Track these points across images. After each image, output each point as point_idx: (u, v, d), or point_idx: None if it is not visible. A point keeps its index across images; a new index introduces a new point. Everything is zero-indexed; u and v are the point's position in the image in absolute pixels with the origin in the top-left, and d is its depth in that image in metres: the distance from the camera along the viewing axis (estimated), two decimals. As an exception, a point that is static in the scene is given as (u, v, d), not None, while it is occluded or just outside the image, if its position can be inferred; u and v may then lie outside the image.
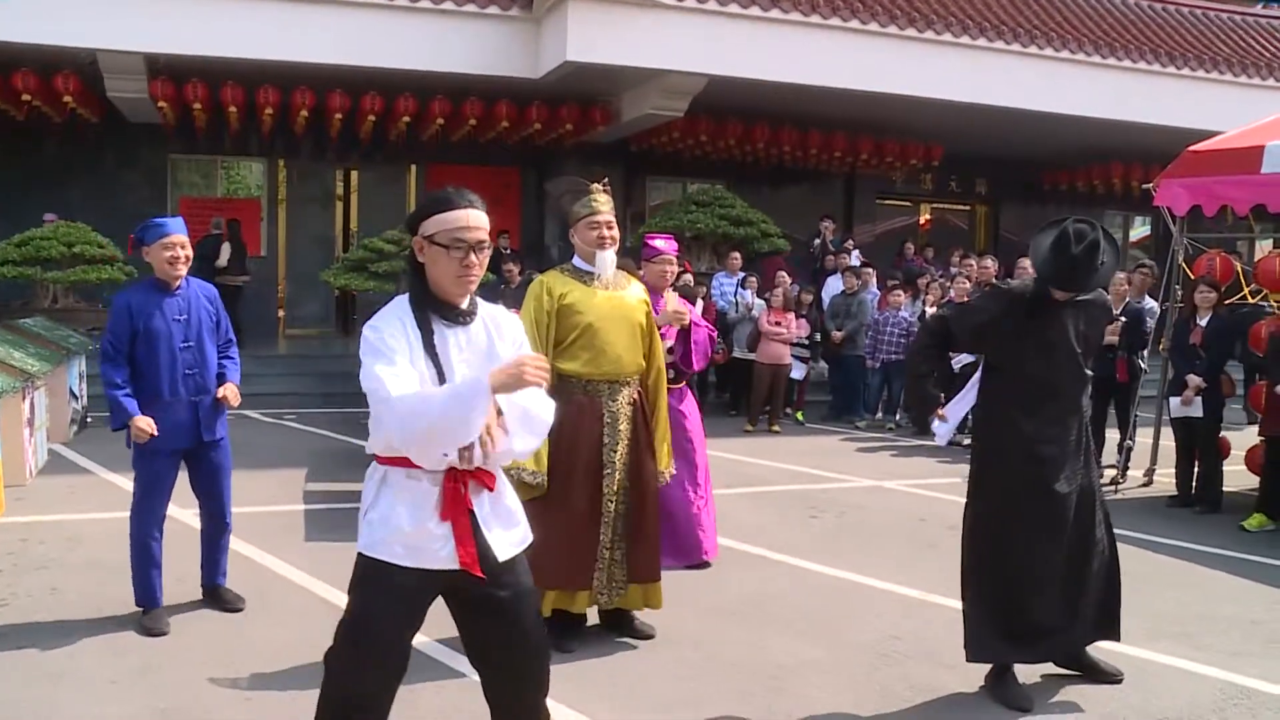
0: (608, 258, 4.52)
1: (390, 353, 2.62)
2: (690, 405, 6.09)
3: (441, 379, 2.66)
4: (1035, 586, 4.04)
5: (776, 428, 11.52)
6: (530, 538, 2.91)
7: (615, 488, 4.49)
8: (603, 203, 4.52)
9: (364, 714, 2.79)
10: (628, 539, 4.53)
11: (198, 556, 5.10)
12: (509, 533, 2.82)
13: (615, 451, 4.48)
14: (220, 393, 4.82)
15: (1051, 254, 3.97)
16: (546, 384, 2.61)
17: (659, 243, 5.57)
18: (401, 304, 2.75)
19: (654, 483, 4.65)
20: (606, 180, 4.69)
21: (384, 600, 2.72)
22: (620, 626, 4.73)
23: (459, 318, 2.75)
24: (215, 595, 5.03)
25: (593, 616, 4.75)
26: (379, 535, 2.72)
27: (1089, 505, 4.15)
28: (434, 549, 2.70)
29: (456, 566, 2.70)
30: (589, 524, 4.44)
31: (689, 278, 11.52)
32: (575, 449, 4.40)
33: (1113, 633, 4.29)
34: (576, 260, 4.60)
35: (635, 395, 4.58)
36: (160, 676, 4.16)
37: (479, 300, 2.84)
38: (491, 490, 2.77)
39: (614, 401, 4.48)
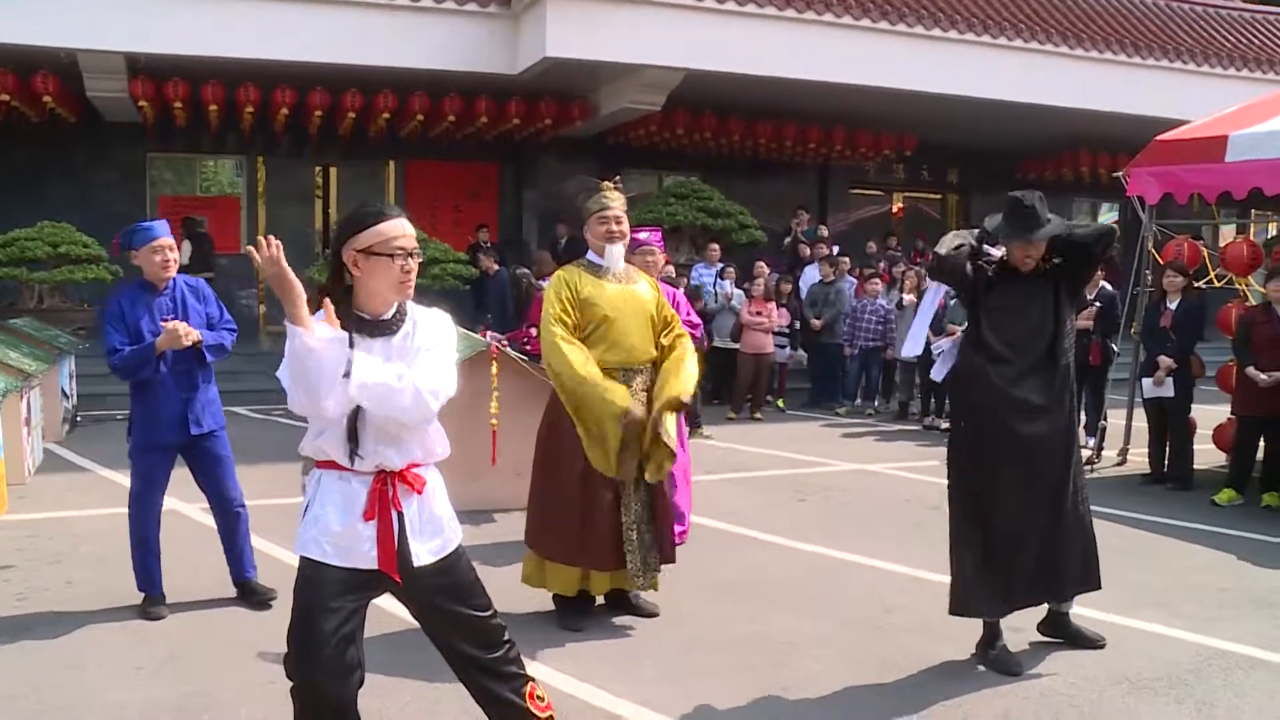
0: (616, 251, 4.73)
1: None
2: None
3: None
4: (1017, 535, 4.24)
5: (759, 415, 11.75)
6: (452, 546, 2.96)
7: (636, 470, 4.66)
8: (613, 198, 4.73)
9: (336, 716, 2.83)
10: (651, 522, 4.72)
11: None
12: (429, 542, 2.89)
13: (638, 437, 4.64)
14: (173, 324, 4.74)
15: (1002, 214, 4.30)
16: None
17: (643, 235, 5.68)
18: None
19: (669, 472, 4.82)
20: (619, 177, 4.92)
21: (320, 598, 2.78)
22: (622, 605, 4.91)
23: (380, 330, 2.80)
24: (247, 589, 5.09)
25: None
26: (310, 535, 2.83)
27: (1066, 452, 4.34)
28: (362, 549, 2.79)
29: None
30: (613, 505, 4.63)
31: (670, 269, 11.69)
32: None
33: (1094, 583, 4.46)
34: (590, 255, 4.80)
35: (648, 383, 4.76)
36: (182, 665, 4.29)
37: (411, 305, 2.89)
38: (420, 494, 2.87)
39: (629, 388, 4.66)
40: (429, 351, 2.82)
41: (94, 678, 4.14)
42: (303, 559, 2.85)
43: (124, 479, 7.71)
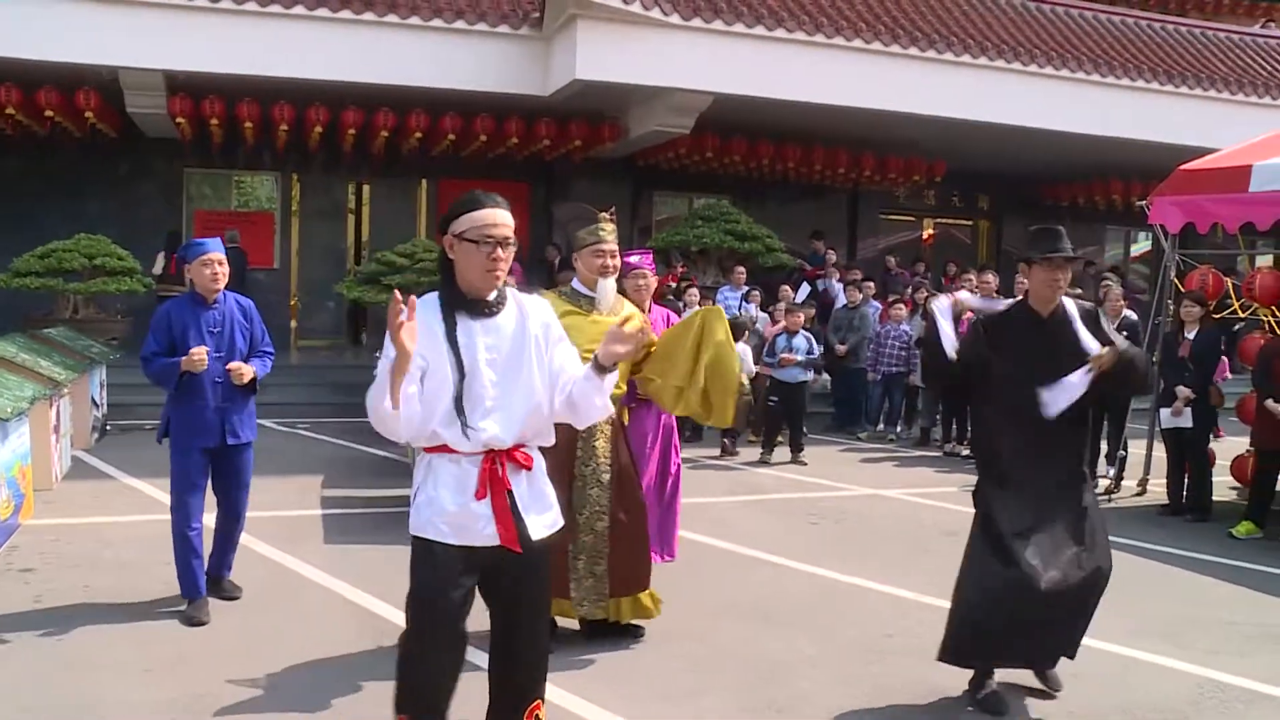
0: (609, 286, 4.68)
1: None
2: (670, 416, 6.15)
3: (460, 366, 2.88)
4: (1016, 598, 4.07)
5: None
6: (562, 521, 3.11)
7: (585, 500, 4.62)
8: (608, 232, 4.69)
9: (437, 693, 2.97)
10: (609, 555, 4.65)
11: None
12: (542, 516, 3.03)
13: (589, 465, 4.63)
14: (233, 366, 5.05)
15: (1029, 235, 4.38)
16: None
17: (634, 258, 5.60)
18: (431, 298, 2.99)
19: (640, 503, 4.77)
20: (614, 209, 4.88)
21: (440, 576, 2.91)
22: (603, 632, 4.81)
23: (484, 310, 2.96)
24: (217, 585, 5.30)
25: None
26: (425, 516, 2.95)
27: (1081, 524, 4.17)
28: (477, 527, 2.92)
29: (498, 543, 2.92)
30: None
31: (695, 293, 11.76)
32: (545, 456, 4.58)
33: (1071, 651, 4.28)
34: (576, 284, 4.78)
35: (614, 417, 4.66)
36: (192, 667, 4.40)
37: (510, 290, 3.06)
38: (529, 470, 3.00)
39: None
40: (565, 343, 3.07)
41: (104, 678, 4.25)
42: (417, 540, 2.97)
43: (149, 487, 7.94)
